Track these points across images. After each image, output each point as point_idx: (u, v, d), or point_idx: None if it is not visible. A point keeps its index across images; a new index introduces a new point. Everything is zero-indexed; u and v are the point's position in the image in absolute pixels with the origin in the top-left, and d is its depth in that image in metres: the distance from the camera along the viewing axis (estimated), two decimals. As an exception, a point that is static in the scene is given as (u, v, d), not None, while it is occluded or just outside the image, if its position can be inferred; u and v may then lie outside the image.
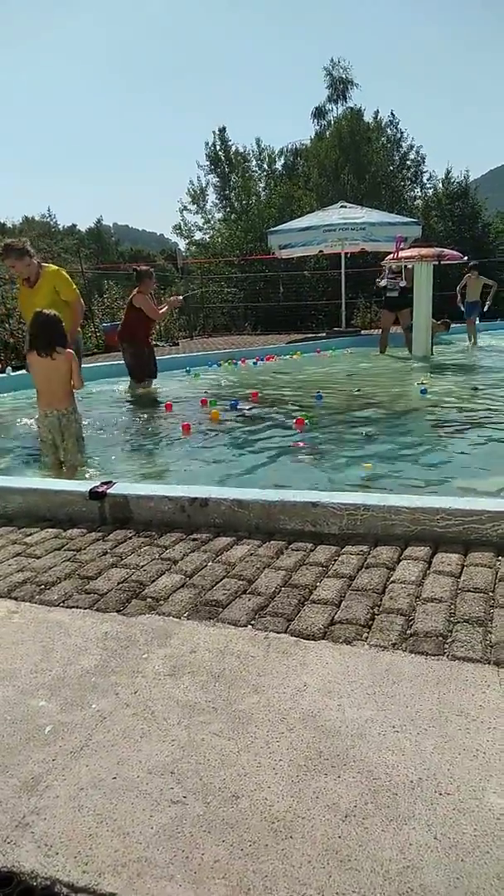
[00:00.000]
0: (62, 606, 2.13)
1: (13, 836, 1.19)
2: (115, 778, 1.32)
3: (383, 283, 10.95)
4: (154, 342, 9.59)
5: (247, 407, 6.59)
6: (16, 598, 2.21)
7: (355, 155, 27.57)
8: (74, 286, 5.31)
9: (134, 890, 1.06)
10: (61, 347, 4.04)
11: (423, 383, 7.64)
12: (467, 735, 1.37)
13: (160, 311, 7.76)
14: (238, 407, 6.53)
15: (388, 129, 30.05)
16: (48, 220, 49.40)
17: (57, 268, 5.33)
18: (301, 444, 4.93)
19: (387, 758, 1.32)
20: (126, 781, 1.31)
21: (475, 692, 1.52)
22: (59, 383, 4.10)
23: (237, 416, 6.27)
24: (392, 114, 30.39)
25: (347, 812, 1.19)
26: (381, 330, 11.62)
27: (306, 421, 5.63)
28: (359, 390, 7.52)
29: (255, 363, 10.96)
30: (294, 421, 5.65)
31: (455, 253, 12.70)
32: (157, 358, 8.21)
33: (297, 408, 6.53)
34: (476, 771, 1.27)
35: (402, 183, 29.61)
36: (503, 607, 1.89)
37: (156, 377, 8.07)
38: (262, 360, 11.24)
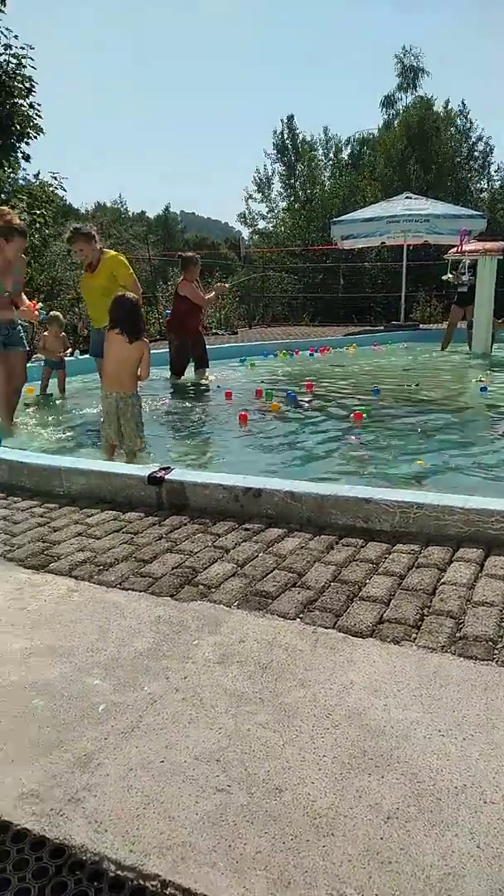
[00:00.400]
0: (119, 588, 2.20)
1: (66, 809, 1.24)
2: (163, 761, 1.36)
3: (449, 277, 10.73)
4: (213, 331, 9.61)
5: (306, 399, 6.58)
6: (76, 577, 2.29)
7: (423, 145, 26.91)
8: (131, 271, 5.51)
9: (178, 873, 1.09)
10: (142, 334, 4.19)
11: (482, 381, 7.47)
12: (516, 745, 1.35)
13: (207, 298, 7.78)
14: (296, 400, 6.51)
15: (458, 120, 29.23)
16: (119, 206, 50.18)
17: (115, 253, 5.61)
18: (354, 439, 4.89)
19: (431, 762, 1.32)
20: (173, 765, 1.35)
21: (526, 702, 1.50)
22: (127, 369, 4.21)
23: (294, 408, 6.26)
24: (462, 103, 29.60)
25: (390, 814, 1.20)
26: (447, 325, 11.41)
27: (364, 415, 5.57)
28: (417, 384, 7.41)
29: (310, 354, 10.90)
30: (352, 415, 5.61)
31: None
32: (209, 347, 8.25)
33: (354, 401, 6.48)
34: (523, 782, 1.25)
35: (469, 174, 28.73)
36: None
37: (207, 366, 8.09)
38: (317, 351, 11.18)
